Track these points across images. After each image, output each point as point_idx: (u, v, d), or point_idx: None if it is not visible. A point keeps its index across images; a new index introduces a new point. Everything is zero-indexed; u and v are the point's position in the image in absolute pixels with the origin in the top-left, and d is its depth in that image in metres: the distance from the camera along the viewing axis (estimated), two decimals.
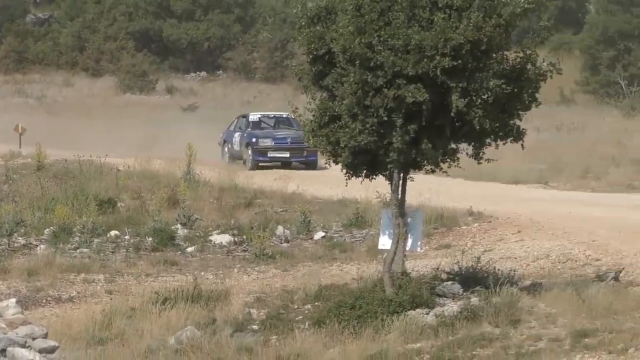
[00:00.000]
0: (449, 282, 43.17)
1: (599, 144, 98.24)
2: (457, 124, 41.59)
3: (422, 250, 45.69)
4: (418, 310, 41.34)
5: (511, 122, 42.44)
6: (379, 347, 39.75)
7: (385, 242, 43.25)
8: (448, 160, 42.61)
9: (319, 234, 58.30)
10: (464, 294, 42.42)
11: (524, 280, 44.77)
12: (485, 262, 45.32)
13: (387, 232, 43.15)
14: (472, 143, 42.32)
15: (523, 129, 42.55)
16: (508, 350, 39.52)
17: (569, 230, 52.83)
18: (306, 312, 43.48)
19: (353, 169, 42.61)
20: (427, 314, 41.30)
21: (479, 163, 42.77)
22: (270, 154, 66.63)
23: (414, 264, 45.71)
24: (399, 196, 42.31)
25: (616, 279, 44.24)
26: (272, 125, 78.92)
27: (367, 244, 54.06)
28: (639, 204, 64.39)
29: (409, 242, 43.27)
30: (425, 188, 51.50)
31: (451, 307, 41.55)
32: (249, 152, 70.19)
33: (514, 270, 45.20)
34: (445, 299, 42.34)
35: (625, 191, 75.40)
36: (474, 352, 39.53)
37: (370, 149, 41.50)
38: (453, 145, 42.48)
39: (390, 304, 41.40)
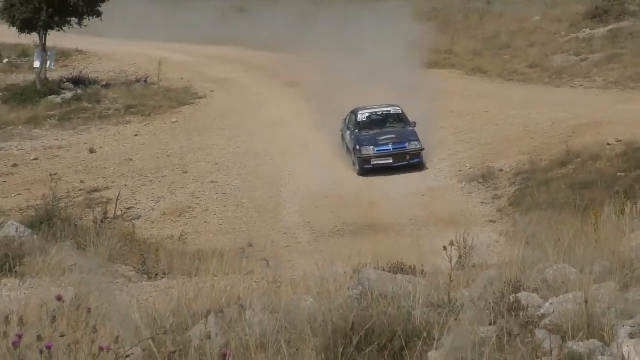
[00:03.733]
0: (67, 82, 42.81)
1: None
2: (70, 8, 41.26)
3: (54, 68, 44.83)
4: (53, 96, 41.00)
5: (96, 8, 42.16)
6: (34, 113, 39.37)
7: (37, 64, 42.74)
8: (68, 24, 42.32)
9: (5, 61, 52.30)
10: (75, 88, 42.18)
11: (102, 81, 44.13)
12: (85, 73, 44.87)
13: (38, 59, 42.62)
14: (78, 18, 42.08)
15: (102, 11, 42.20)
16: (95, 114, 39.40)
17: (123, 58, 51.33)
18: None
19: (22, 29, 41.73)
20: (57, 97, 40.94)
21: (80, 27, 42.46)
22: (374, 162, 33.30)
23: (51, 75, 44.26)
24: (43, 42, 41.87)
25: (145, 81, 44.25)
26: (381, 123, 35.57)
27: (29, 66, 48.55)
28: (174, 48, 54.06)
29: (51, 64, 42.88)
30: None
31: (69, 94, 41.35)
32: (355, 158, 34.19)
33: (98, 77, 44.80)
34: (65, 90, 41.97)
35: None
36: (79, 115, 39.32)
37: (31, 19, 40.91)
38: (69, 19, 42.13)
39: (39, 93, 41.00)
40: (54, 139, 36.45)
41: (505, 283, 8.75)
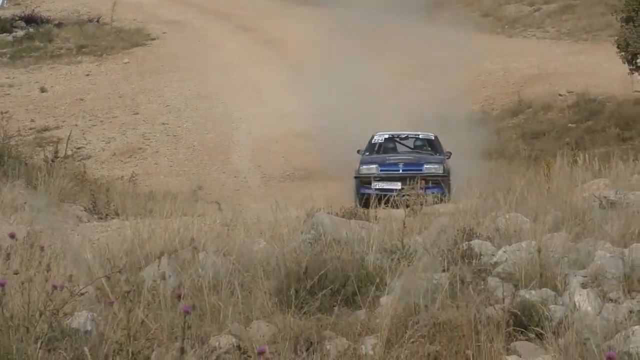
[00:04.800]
0: (19, 21, 41.35)
1: None
2: None
3: (7, 6, 43.47)
4: (5, 34, 39.73)
5: None
6: None
7: None
8: None
9: None
10: (27, 26, 41.04)
11: (54, 21, 42.72)
12: (37, 12, 43.27)
13: None
14: None
15: None
16: (47, 53, 38.77)
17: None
18: None
19: None
20: (9, 35, 39.78)
21: None
22: (376, 185, 21.28)
23: (3, 13, 43.13)
24: None
25: (97, 21, 42.72)
26: (402, 148, 24.90)
27: None
28: None
29: (3, 2, 41.88)
30: None
31: (21, 33, 40.35)
32: (353, 182, 22.94)
33: (50, 16, 43.45)
34: (17, 29, 40.55)
35: None
36: (31, 54, 38.67)
37: None
38: None
39: None
40: (5, 77, 35.93)
41: (458, 231, 8.80)
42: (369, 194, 18.81)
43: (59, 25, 42.06)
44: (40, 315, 6.07)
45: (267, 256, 8.17)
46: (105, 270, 7.47)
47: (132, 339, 5.84)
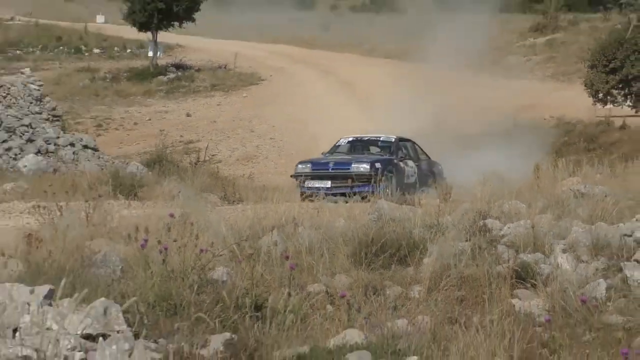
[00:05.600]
0: (171, 67, 41.33)
1: None
2: (173, 15, 39.93)
3: (162, 57, 43.18)
4: (161, 76, 39.68)
5: (191, 15, 40.62)
6: (148, 88, 38.70)
7: (150, 54, 41.03)
8: (172, 26, 40.82)
9: None
10: (176, 71, 40.71)
11: (195, 67, 42.35)
12: (183, 61, 43.19)
13: (151, 50, 40.81)
14: (179, 22, 40.72)
15: (195, 18, 40.82)
16: (190, 89, 38.92)
17: (209, 51, 48.63)
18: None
19: (140, 29, 40.20)
20: (164, 77, 39.86)
21: (180, 28, 41.19)
22: (309, 184, 14.52)
23: (161, 61, 43.01)
24: (155, 38, 40.74)
25: (225, 67, 42.88)
26: (360, 150, 17.42)
27: (144, 55, 44.41)
28: None
29: (159, 53, 41.78)
30: None
31: (172, 75, 40.09)
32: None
33: (192, 64, 42.96)
34: (170, 72, 40.72)
35: None
36: (179, 90, 38.90)
37: (146, 22, 39.70)
38: (172, 22, 40.73)
39: (152, 74, 39.84)
40: (162, 106, 36.49)
41: (476, 213, 8.76)
42: (305, 193, 15.02)
43: (198, 70, 42.42)
44: (192, 270, 6.18)
45: (345, 230, 8.22)
46: (235, 239, 7.56)
47: (254, 286, 5.95)
